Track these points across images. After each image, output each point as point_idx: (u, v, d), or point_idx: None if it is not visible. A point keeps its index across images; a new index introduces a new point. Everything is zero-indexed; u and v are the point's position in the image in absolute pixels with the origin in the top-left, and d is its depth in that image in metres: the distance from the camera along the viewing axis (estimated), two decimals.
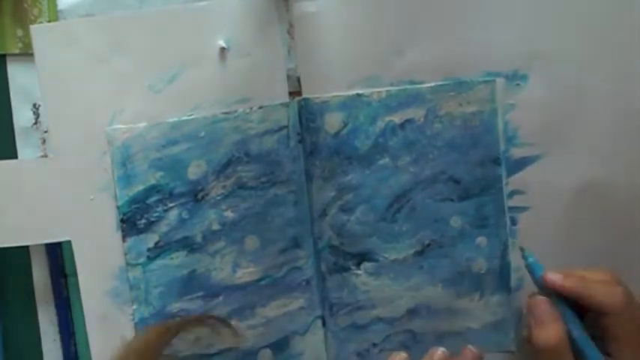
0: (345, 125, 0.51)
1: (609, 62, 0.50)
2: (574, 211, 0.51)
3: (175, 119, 0.50)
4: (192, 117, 0.51)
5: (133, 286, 0.50)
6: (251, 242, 0.52)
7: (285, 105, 0.52)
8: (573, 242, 0.51)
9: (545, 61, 0.50)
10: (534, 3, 0.49)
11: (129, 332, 0.50)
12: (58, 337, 0.54)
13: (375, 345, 0.53)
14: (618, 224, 0.51)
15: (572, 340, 0.45)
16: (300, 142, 0.52)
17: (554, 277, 0.47)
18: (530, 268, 0.48)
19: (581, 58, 0.50)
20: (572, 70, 0.50)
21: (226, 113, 0.51)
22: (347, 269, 0.52)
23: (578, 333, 0.46)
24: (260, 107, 0.51)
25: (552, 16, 0.49)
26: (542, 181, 0.51)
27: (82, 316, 0.50)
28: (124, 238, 0.50)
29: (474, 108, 0.51)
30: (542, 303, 0.47)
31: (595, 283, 0.46)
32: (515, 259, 0.52)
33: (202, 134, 0.51)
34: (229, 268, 0.52)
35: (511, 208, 0.52)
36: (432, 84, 0.51)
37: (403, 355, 0.50)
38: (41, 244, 0.53)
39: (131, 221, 0.50)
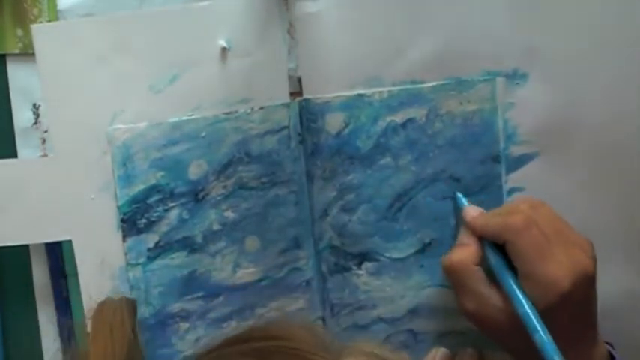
0: (347, 125, 0.51)
1: (609, 61, 0.50)
2: (572, 208, 0.51)
3: (176, 119, 0.50)
4: (193, 117, 0.51)
5: (134, 285, 0.50)
6: (251, 242, 0.52)
7: (286, 105, 0.52)
8: None
9: (545, 60, 0.50)
10: (534, 2, 0.50)
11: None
12: (58, 337, 0.54)
13: None
14: (617, 221, 0.52)
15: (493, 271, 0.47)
16: (300, 142, 0.52)
17: (469, 212, 0.49)
18: (457, 205, 0.51)
19: (581, 57, 0.50)
20: (571, 69, 0.50)
21: (227, 113, 0.51)
22: (348, 269, 0.52)
23: (494, 261, 0.47)
24: (261, 107, 0.51)
25: (552, 16, 0.50)
26: (541, 178, 0.51)
27: (82, 316, 0.50)
28: (124, 237, 0.50)
29: (474, 107, 0.51)
30: (463, 230, 0.49)
31: (494, 217, 0.47)
32: None
33: (203, 134, 0.51)
34: (230, 268, 0.52)
35: None
36: (433, 83, 0.51)
37: (443, 349, 0.50)
38: (41, 244, 0.53)
39: (131, 221, 0.50)
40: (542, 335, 0.43)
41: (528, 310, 0.44)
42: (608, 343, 0.49)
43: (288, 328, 0.38)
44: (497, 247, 0.47)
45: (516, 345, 0.46)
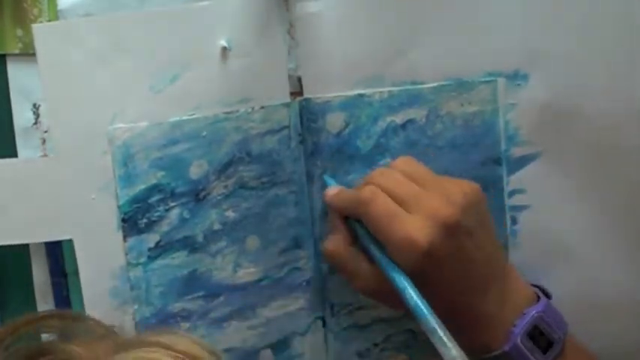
0: (347, 125, 0.51)
1: (610, 62, 0.50)
2: (575, 209, 0.52)
3: (176, 119, 0.50)
4: (194, 117, 0.50)
5: (134, 285, 0.50)
6: (252, 242, 0.52)
7: (287, 105, 0.52)
8: (573, 241, 0.52)
9: (546, 61, 0.50)
10: (535, 3, 0.50)
11: (130, 332, 0.50)
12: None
13: (376, 345, 0.53)
14: (618, 223, 0.52)
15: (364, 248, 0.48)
16: (301, 142, 0.53)
17: (328, 192, 0.50)
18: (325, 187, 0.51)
19: (582, 58, 0.50)
20: (572, 70, 0.50)
21: (228, 113, 0.51)
22: None
23: (361, 237, 0.48)
24: (261, 107, 0.51)
25: (553, 16, 0.50)
26: (543, 179, 0.51)
27: None
28: (125, 237, 0.50)
29: (475, 108, 0.51)
30: (330, 214, 0.51)
31: (349, 194, 0.49)
32: (514, 259, 0.52)
33: (204, 134, 0.51)
34: (230, 268, 0.52)
35: (511, 208, 0.52)
36: (434, 84, 0.51)
37: (403, 356, 0.50)
38: (41, 244, 0.53)
39: (132, 221, 0.50)
40: (410, 297, 0.44)
41: (393, 276, 0.45)
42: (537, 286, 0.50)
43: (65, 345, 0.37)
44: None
45: None
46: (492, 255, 0.47)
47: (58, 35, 0.49)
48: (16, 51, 0.53)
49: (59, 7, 0.52)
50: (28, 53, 0.52)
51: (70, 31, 0.49)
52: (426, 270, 0.44)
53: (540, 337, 0.47)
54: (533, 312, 0.47)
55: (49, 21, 0.52)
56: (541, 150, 0.51)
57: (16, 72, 0.53)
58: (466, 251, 0.45)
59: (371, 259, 0.47)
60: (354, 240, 0.49)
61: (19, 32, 0.53)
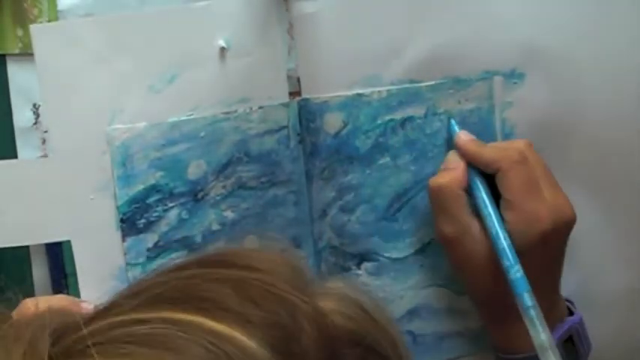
0: (345, 125, 0.51)
1: (607, 61, 0.50)
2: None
3: (175, 119, 0.50)
4: (192, 117, 0.50)
5: None
6: (251, 242, 0.52)
7: (285, 105, 0.52)
8: (573, 240, 0.51)
9: (543, 59, 0.50)
10: (533, 2, 0.50)
11: None
12: None
13: None
14: (618, 221, 0.51)
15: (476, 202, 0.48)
16: (300, 142, 0.52)
17: (462, 136, 0.49)
18: (450, 132, 0.51)
19: (579, 57, 0.50)
20: (569, 69, 0.50)
21: (226, 113, 0.51)
22: (347, 269, 0.52)
23: (479, 189, 0.48)
24: (260, 107, 0.51)
25: (550, 15, 0.50)
26: None
27: None
28: (123, 237, 0.50)
29: (472, 105, 0.51)
30: (452, 154, 0.49)
31: (489, 147, 0.48)
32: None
33: (202, 134, 0.50)
34: None
35: None
36: (431, 82, 0.51)
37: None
38: (41, 244, 0.53)
39: (131, 221, 0.50)
40: (517, 270, 0.45)
41: (504, 243, 0.45)
42: (568, 300, 0.51)
43: (270, 261, 0.35)
44: (483, 178, 0.48)
45: (482, 282, 0.47)
46: (562, 260, 0.49)
47: (56, 35, 0.49)
48: (16, 51, 0.53)
49: (59, 8, 0.53)
50: (28, 53, 0.52)
51: (67, 32, 0.49)
52: (530, 250, 0.45)
53: (570, 347, 0.48)
54: (573, 321, 0.49)
55: (49, 21, 0.52)
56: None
57: (16, 72, 0.53)
58: (561, 249, 0.48)
59: (474, 214, 0.47)
60: (466, 187, 0.48)
61: (19, 32, 0.53)
